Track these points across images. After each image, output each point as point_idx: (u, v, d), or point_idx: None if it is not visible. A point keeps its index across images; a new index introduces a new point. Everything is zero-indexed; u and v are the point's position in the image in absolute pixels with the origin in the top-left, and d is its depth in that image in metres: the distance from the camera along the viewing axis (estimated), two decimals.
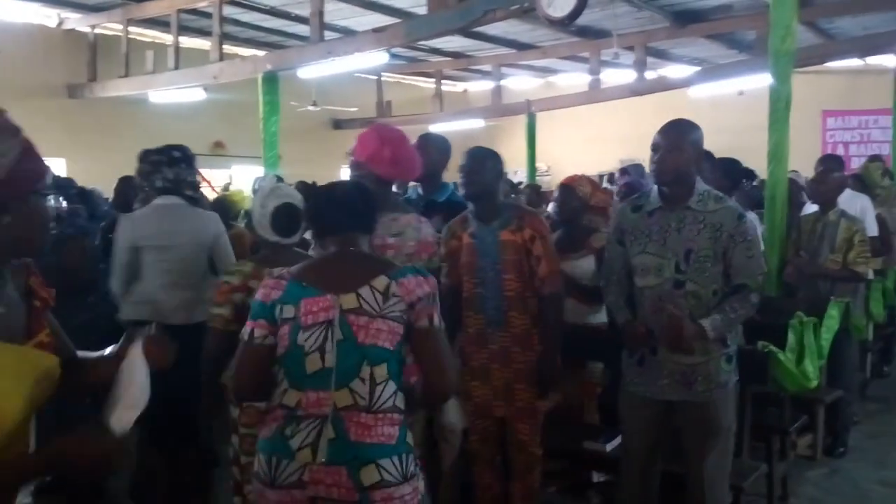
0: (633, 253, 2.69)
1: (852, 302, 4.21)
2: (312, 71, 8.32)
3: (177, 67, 8.89)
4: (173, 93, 9.59)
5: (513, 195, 8.97)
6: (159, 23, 9.52)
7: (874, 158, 6.55)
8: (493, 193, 3.00)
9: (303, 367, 1.85)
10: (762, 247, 3.45)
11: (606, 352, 3.38)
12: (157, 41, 10.24)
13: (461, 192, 3.04)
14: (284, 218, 2.60)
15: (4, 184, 1.35)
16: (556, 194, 3.75)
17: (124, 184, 4.94)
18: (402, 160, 2.75)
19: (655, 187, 2.71)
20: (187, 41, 9.79)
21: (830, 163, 4.91)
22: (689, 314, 2.51)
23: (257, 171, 7.88)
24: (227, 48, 9.05)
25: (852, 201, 4.86)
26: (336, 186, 2.21)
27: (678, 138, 2.60)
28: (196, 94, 9.57)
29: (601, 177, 10.03)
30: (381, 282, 1.89)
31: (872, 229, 4.89)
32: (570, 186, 3.64)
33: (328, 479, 1.78)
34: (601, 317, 3.61)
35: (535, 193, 8.63)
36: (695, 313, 2.55)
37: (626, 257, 2.73)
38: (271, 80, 7.66)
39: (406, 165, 2.79)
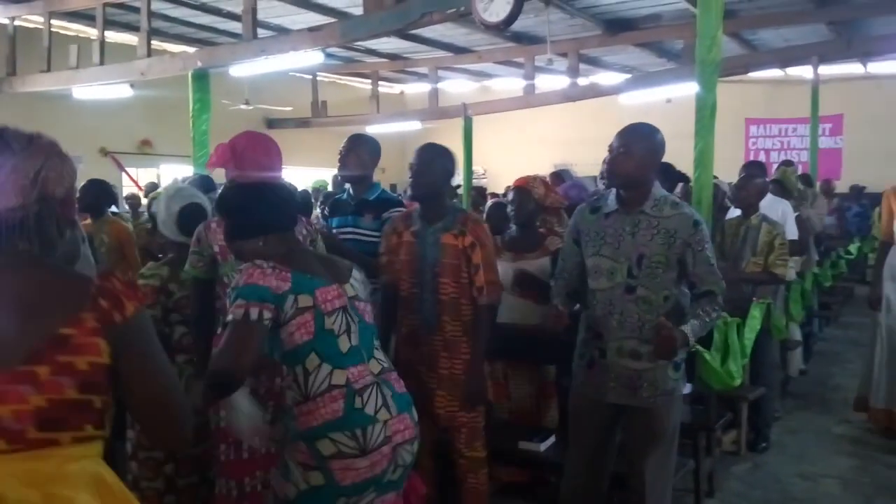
0: (588, 254, 2.69)
1: (773, 303, 4.38)
2: (245, 69, 8.14)
3: (102, 63, 8.55)
4: (98, 89, 9.21)
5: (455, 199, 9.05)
6: (84, 16, 9.17)
7: (788, 163, 6.85)
8: (441, 194, 2.95)
9: (338, 348, 2.07)
10: None
11: (560, 354, 3.43)
12: (81, 35, 9.85)
13: (409, 192, 2.98)
14: (191, 218, 2.67)
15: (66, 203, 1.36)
16: (511, 196, 3.76)
17: (96, 187, 4.84)
18: (248, 161, 2.71)
19: (614, 190, 2.70)
20: (114, 36, 9.45)
21: (753, 169, 5.11)
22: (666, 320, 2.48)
23: (187, 170, 7.68)
24: (156, 44, 8.77)
25: (773, 206, 5.05)
26: (278, 186, 2.31)
27: (630, 142, 2.59)
28: (123, 91, 9.22)
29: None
30: (357, 273, 2.23)
31: (792, 233, 5.11)
32: (524, 188, 3.65)
33: (401, 425, 2.11)
34: None
35: (480, 195, 8.71)
36: (644, 318, 2.57)
37: (581, 257, 2.72)
38: (202, 77, 7.46)
39: (258, 164, 2.70)
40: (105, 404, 1.24)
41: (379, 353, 2.19)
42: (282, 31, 9.01)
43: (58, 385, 1.17)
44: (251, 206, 2.17)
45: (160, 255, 3.25)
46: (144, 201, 5.73)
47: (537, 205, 3.62)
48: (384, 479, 2.05)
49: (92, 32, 9.05)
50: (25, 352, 1.16)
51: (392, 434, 2.07)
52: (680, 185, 4.75)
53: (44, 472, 1.15)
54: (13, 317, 1.18)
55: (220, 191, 2.68)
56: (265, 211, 2.16)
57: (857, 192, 11.60)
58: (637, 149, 2.58)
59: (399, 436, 2.09)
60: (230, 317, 1.96)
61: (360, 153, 3.41)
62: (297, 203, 2.27)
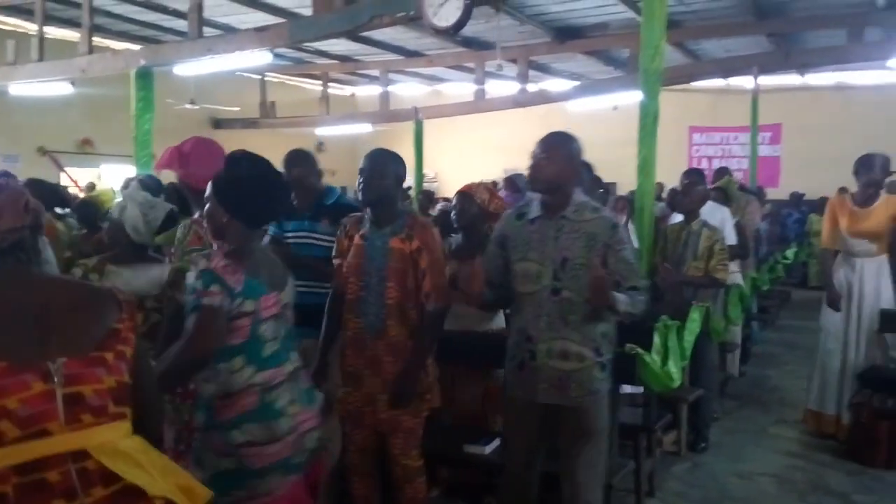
0: (515, 259, 2.75)
1: (712, 306, 4.50)
2: (190, 68, 7.97)
3: (41, 59, 8.29)
4: (37, 86, 8.90)
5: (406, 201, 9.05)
6: (22, 10, 8.89)
7: (723, 172, 7.03)
8: (392, 199, 2.93)
9: (263, 353, 2.15)
10: None
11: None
12: (19, 30, 9.55)
13: (359, 197, 2.94)
14: (169, 223, 2.83)
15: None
16: (454, 201, 3.77)
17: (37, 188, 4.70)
18: (194, 164, 2.86)
19: (539, 197, 2.77)
20: (53, 31, 9.18)
21: (694, 176, 5.22)
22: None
23: (128, 170, 7.48)
24: (98, 41, 8.56)
25: (713, 213, 5.19)
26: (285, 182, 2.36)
27: (551, 149, 2.69)
28: (63, 88, 8.94)
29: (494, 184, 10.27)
30: (290, 279, 2.30)
31: (731, 238, 5.25)
32: (467, 194, 3.67)
33: (306, 416, 2.24)
34: (499, 321, 3.68)
35: (428, 199, 8.73)
36: (569, 319, 2.65)
37: (502, 260, 2.79)
38: (145, 76, 7.28)
39: (204, 167, 2.78)
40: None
41: (293, 354, 2.30)
42: (229, 30, 8.87)
43: (119, 369, 1.42)
44: (266, 192, 2.19)
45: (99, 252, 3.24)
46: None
47: (481, 210, 3.64)
48: (290, 463, 2.18)
49: (31, 28, 8.78)
50: (95, 341, 1.40)
51: (297, 424, 2.20)
52: (600, 191, 4.83)
53: (120, 441, 1.37)
54: (80, 314, 1.42)
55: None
56: (268, 201, 2.21)
57: (796, 199, 12.00)
58: (557, 155, 2.69)
59: (304, 425, 2.22)
60: (206, 301, 2.01)
61: (296, 173, 3.42)
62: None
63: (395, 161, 2.93)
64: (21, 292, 1.39)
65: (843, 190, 4.84)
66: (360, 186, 2.89)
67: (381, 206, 2.90)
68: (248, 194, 2.15)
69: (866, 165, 4.58)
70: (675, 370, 3.60)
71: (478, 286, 2.73)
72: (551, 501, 3.11)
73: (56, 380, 1.31)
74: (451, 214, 3.77)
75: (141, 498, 1.34)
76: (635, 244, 4.35)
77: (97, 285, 1.69)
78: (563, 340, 2.67)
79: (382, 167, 2.89)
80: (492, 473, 3.56)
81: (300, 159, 3.51)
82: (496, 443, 3.32)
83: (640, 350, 3.39)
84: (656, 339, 3.55)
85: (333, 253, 3.05)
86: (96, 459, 1.31)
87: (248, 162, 2.20)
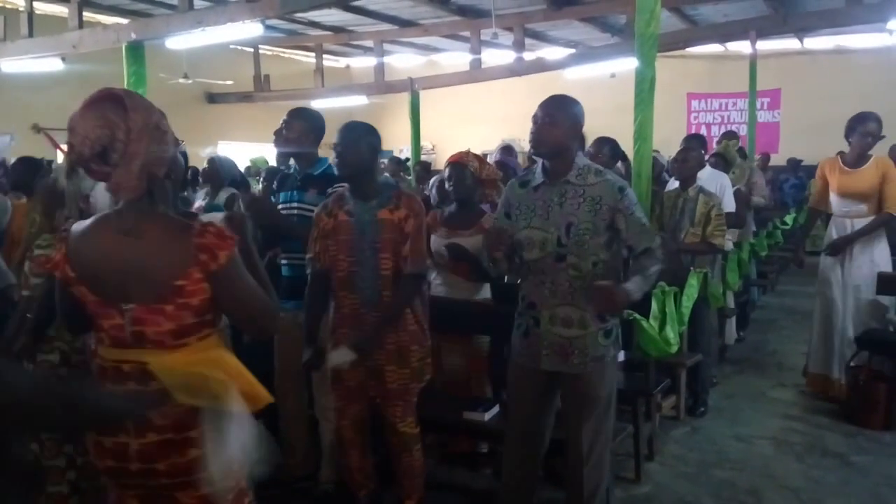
0: (520, 227, 2.72)
1: (710, 272, 4.51)
2: (182, 41, 7.86)
3: (31, 35, 8.20)
4: (28, 62, 8.82)
5: (402, 174, 9.00)
6: None
7: (731, 136, 6.99)
8: (370, 171, 2.93)
9: None
10: None
11: (492, 325, 3.47)
12: (7, 6, 9.44)
13: (336, 171, 2.96)
14: None
15: None
16: (446, 173, 3.76)
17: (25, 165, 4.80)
18: None
19: (541, 163, 2.74)
20: (43, 6, 9.06)
21: (692, 142, 5.21)
22: (615, 283, 2.56)
23: None
24: (88, 15, 8.45)
25: (713, 179, 5.18)
26: None
27: (555, 112, 2.64)
28: (54, 65, 8.85)
29: (486, 155, 10.22)
30: None
31: (730, 205, 5.25)
32: (460, 164, 3.66)
33: None
34: (485, 293, 3.71)
35: (425, 171, 8.67)
36: (574, 285, 2.63)
37: (513, 231, 2.75)
38: (136, 50, 7.20)
39: None
40: (216, 314, 1.83)
41: None
42: (219, 1, 8.74)
43: (179, 316, 1.74)
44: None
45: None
46: None
47: (474, 178, 3.64)
48: None
49: (20, 3, 8.68)
50: (155, 295, 1.72)
51: None
52: (620, 162, 4.83)
53: (174, 358, 1.74)
54: (152, 273, 1.72)
55: None
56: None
57: (794, 164, 11.95)
58: (561, 118, 2.65)
59: None
60: None
61: (297, 127, 3.35)
62: None
63: (368, 132, 2.93)
64: (117, 246, 1.72)
65: (841, 154, 4.81)
66: (336, 161, 2.90)
67: (359, 178, 2.90)
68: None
69: (860, 121, 4.55)
70: (673, 336, 3.62)
71: (497, 252, 2.68)
72: (558, 468, 3.16)
73: (126, 319, 1.74)
74: (447, 186, 3.76)
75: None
76: None
77: (179, 229, 1.74)
78: (566, 307, 2.66)
79: (356, 139, 2.89)
80: (488, 439, 3.61)
81: (312, 122, 3.45)
82: (496, 409, 3.34)
83: (637, 316, 3.41)
84: (654, 306, 3.57)
85: (312, 235, 2.99)
86: (152, 368, 1.72)
87: None
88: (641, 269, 2.62)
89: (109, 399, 1.70)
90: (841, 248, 4.58)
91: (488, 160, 4.10)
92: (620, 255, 2.73)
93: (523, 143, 8.35)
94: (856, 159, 4.59)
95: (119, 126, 1.68)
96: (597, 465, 2.75)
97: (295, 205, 3.39)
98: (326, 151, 3.27)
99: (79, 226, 1.79)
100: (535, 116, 2.68)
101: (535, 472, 2.91)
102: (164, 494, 1.79)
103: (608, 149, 4.75)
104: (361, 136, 2.91)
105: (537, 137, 2.66)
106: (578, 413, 2.71)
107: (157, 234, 1.73)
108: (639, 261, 2.65)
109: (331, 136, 3.20)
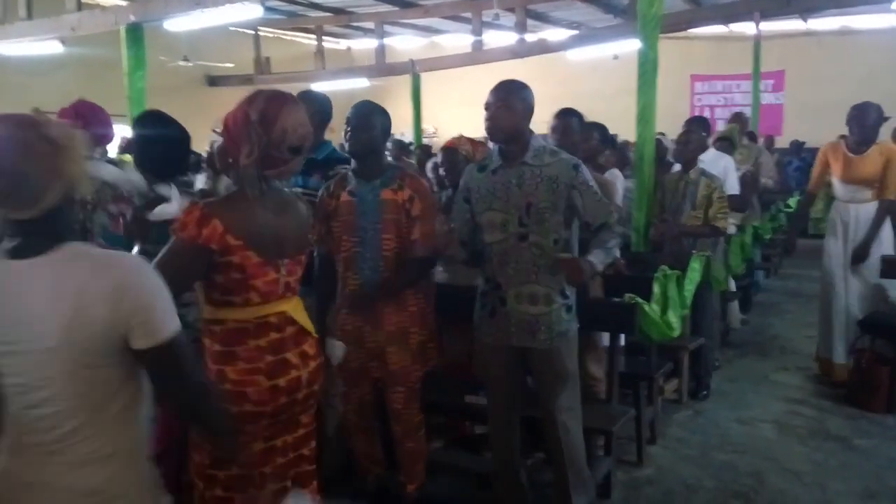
0: (480, 211, 2.80)
1: (712, 255, 4.48)
2: (181, 23, 7.79)
3: (30, 17, 8.14)
4: (26, 45, 8.76)
5: (405, 157, 8.95)
6: None
7: (737, 117, 6.94)
8: (379, 151, 2.95)
9: None
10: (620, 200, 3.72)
11: None
12: None
13: (347, 148, 2.93)
14: None
15: None
16: (439, 158, 3.75)
17: None
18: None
19: (496, 147, 2.79)
20: None
21: (694, 125, 5.17)
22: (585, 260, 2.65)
23: (124, 130, 7.39)
24: None
25: (716, 161, 5.14)
26: None
27: (507, 96, 2.70)
28: (53, 47, 8.79)
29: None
30: None
31: (734, 188, 5.21)
32: (452, 148, 3.68)
33: None
34: None
35: (426, 154, 8.63)
36: (538, 263, 2.71)
37: (470, 214, 2.83)
38: (135, 32, 7.13)
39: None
40: None
41: None
42: None
43: (302, 263, 2.20)
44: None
45: None
46: None
47: (467, 162, 3.63)
48: None
49: None
50: (299, 249, 2.17)
51: None
52: (607, 151, 4.73)
53: (298, 303, 2.20)
54: (297, 232, 2.16)
55: None
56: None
57: (797, 147, 11.88)
58: (514, 102, 2.70)
59: None
60: None
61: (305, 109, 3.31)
62: None
63: (381, 113, 2.93)
64: (272, 215, 2.08)
65: (844, 137, 4.77)
66: (348, 137, 2.88)
67: (368, 157, 2.90)
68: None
69: (861, 112, 4.51)
70: (675, 320, 3.61)
71: (450, 247, 2.78)
72: (533, 444, 3.19)
73: (282, 272, 2.09)
74: (440, 171, 3.76)
75: (305, 334, 2.17)
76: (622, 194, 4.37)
77: (306, 207, 2.25)
78: (531, 284, 2.74)
79: (369, 118, 2.88)
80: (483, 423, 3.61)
81: (318, 105, 3.38)
82: None
83: (639, 300, 3.40)
84: (656, 289, 3.56)
85: (316, 216, 2.94)
86: (289, 313, 2.12)
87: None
88: (601, 242, 2.71)
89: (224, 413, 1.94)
90: (865, 255, 4.55)
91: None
92: (577, 234, 2.83)
93: None
94: (859, 145, 4.56)
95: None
96: (575, 436, 2.84)
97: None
98: (330, 137, 3.24)
99: (216, 206, 2.03)
100: (487, 104, 2.73)
101: (517, 441, 2.98)
102: (294, 421, 2.15)
103: (598, 134, 4.65)
104: (374, 116, 2.90)
105: (493, 124, 2.71)
106: (551, 388, 2.80)
107: (290, 204, 2.18)
108: (598, 237, 2.73)
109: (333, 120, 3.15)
